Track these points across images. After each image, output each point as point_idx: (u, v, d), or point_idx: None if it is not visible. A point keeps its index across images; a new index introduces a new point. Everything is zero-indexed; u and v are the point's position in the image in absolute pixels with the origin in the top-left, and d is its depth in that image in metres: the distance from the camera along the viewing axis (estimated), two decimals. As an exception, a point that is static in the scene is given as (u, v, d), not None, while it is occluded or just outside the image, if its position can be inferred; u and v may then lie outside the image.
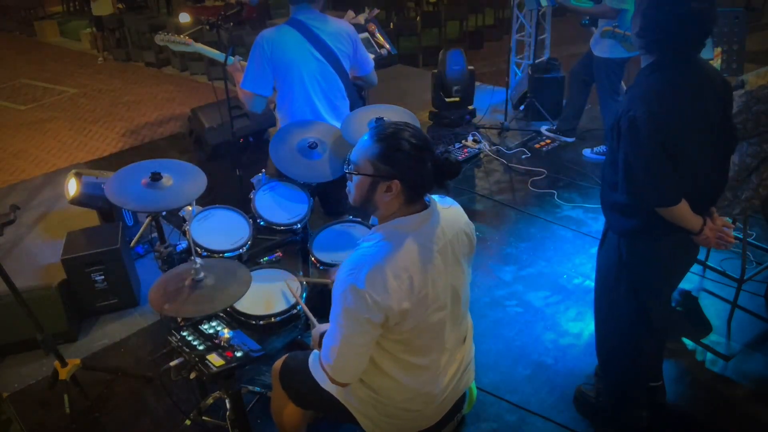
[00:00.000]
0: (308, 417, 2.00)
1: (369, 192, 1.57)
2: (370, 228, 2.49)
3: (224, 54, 2.93)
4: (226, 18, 3.49)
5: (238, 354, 1.79)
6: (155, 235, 3.69)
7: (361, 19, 4.90)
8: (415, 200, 1.58)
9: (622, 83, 4.39)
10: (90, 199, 3.58)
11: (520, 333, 2.98)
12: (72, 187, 3.58)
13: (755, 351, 2.78)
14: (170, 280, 1.95)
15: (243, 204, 2.60)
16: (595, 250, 2.39)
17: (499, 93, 5.90)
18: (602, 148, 4.70)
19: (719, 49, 3.26)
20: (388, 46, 4.87)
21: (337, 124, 2.75)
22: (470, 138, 5.09)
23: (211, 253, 2.30)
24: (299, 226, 2.50)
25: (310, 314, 2.00)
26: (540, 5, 5.07)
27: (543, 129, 5.19)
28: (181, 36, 3.00)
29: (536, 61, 5.53)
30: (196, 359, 1.77)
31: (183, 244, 2.35)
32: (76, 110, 6.84)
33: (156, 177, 2.17)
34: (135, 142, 5.78)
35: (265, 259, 2.50)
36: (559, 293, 3.25)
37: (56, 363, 2.51)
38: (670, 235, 1.95)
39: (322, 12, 2.77)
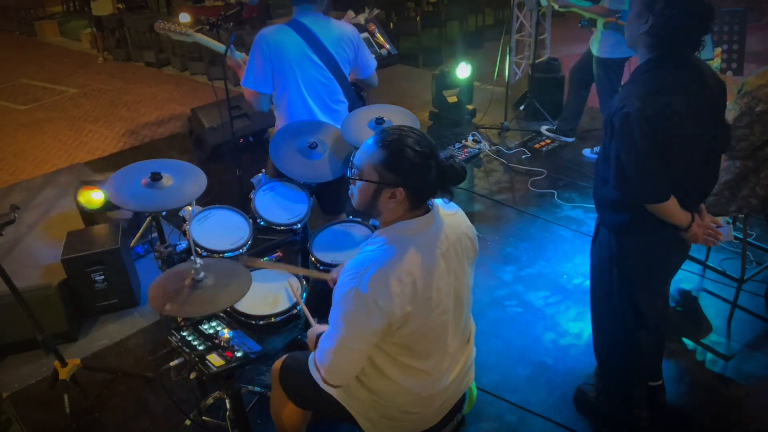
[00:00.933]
0: (308, 417, 2.01)
1: (373, 198, 1.56)
2: (370, 228, 2.49)
3: (225, 46, 2.92)
4: (226, 18, 3.49)
5: (238, 354, 1.79)
6: (155, 235, 3.69)
7: (361, 19, 4.90)
8: (420, 204, 1.58)
9: (622, 83, 4.39)
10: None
11: (520, 333, 2.98)
12: (98, 195, 3.61)
13: (755, 351, 2.78)
14: (170, 280, 1.95)
15: (243, 204, 2.59)
16: (595, 250, 2.39)
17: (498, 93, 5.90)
18: (602, 148, 4.70)
19: (719, 49, 3.26)
20: (388, 46, 4.87)
21: (329, 124, 2.75)
22: (470, 138, 5.09)
23: (211, 253, 2.30)
24: (299, 226, 2.50)
25: (309, 315, 1.99)
26: (540, 5, 5.07)
27: (543, 129, 5.19)
28: (181, 25, 2.98)
29: (536, 61, 5.53)
30: (196, 359, 1.77)
31: (183, 244, 2.35)
32: (76, 110, 6.84)
33: (156, 177, 2.17)
34: (135, 142, 5.78)
35: (265, 259, 2.49)
36: (559, 293, 3.25)
37: (56, 363, 2.51)
38: (659, 230, 1.97)
39: (325, 14, 2.76)
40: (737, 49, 3.39)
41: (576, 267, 3.45)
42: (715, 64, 3.24)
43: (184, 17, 5.26)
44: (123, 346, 3.07)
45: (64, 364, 2.52)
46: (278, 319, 2.16)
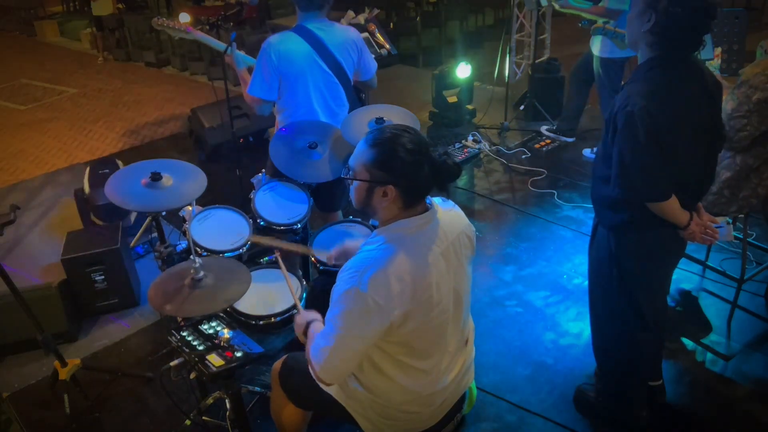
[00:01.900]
0: (308, 417, 2.01)
1: (366, 197, 1.57)
2: (369, 228, 2.49)
3: (224, 44, 2.92)
4: (226, 18, 3.50)
5: (238, 354, 1.79)
6: (155, 235, 3.69)
7: (361, 19, 4.90)
8: (414, 204, 1.57)
9: (622, 83, 4.39)
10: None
11: (520, 333, 2.98)
12: None
13: (755, 351, 2.79)
14: (170, 279, 1.95)
15: (243, 204, 2.59)
16: (595, 250, 2.39)
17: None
18: (602, 148, 4.70)
19: (719, 49, 3.26)
20: (388, 46, 4.87)
21: (329, 124, 2.76)
22: (470, 138, 5.09)
23: (210, 253, 2.30)
24: (299, 226, 2.50)
25: (296, 298, 1.97)
26: (540, 5, 5.07)
27: (543, 129, 5.19)
28: (180, 23, 2.98)
29: (536, 61, 5.53)
30: (196, 359, 1.77)
31: (183, 244, 2.35)
32: (76, 110, 6.84)
33: (156, 177, 2.17)
34: (135, 142, 5.78)
35: (265, 259, 2.50)
36: (559, 293, 3.25)
37: (56, 363, 2.51)
38: (658, 228, 1.98)
39: (328, 18, 2.77)
40: (737, 49, 3.39)
41: (576, 267, 3.45)
42: (715, 64, 3.23)
43: (184, 17, 5.25)
44: (123, 346, 3.07)
45: (64, 364, 2.52)
46: (278, 319, 2.16)
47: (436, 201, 1.68)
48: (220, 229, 2.41)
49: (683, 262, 3.26)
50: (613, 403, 2.42)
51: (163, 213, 2.32)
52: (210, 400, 2.42)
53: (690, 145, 1.88)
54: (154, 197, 2.14)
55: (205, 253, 2.29)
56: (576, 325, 3.01)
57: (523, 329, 3.01)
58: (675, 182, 1.88)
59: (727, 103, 2.52)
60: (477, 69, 5.73)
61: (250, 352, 1.82)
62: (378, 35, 4.86)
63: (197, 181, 2.25)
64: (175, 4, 10.74)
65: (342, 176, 1.63)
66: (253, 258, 2.50)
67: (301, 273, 2.52)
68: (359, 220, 2.62)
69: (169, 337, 1.89)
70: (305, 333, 1.72)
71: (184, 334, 1.88)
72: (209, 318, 1.95)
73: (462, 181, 4.56)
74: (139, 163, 2.27)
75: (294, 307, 2.17)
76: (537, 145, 5.01)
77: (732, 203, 2.66)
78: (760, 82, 2.43)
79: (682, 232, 1.99)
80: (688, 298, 3.17)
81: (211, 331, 1.90)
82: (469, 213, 4.02)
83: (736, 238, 2.83)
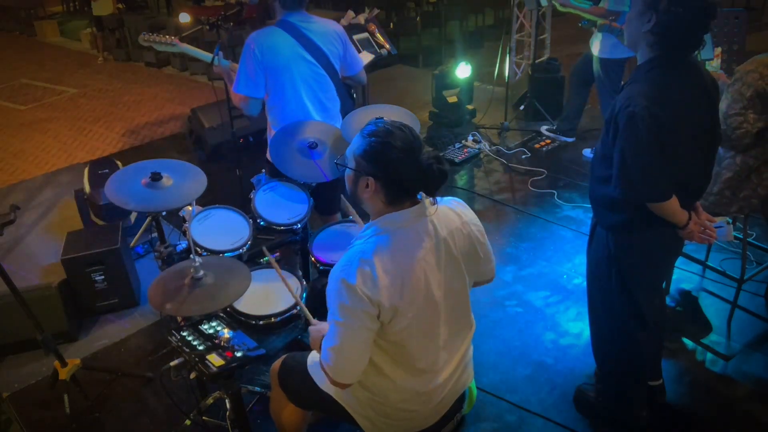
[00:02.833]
0: (308, 417, 2.01)
1: (353, 186, 1.62)
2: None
3: (210, 55, 2.91)
4: (226, 18, 3.49)
5: (238, 354, 1.79)
6: (155, 235, 3.69)
7: (361, 19, 4.90)
8: (397, 201, 1.58)
9: (622, 83, 4.38)
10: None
11: (520, 333, 2.98)
12: None
13: (755, 351, 2.79)
14: (170, 279, 1.95)
15: (243, 204, 2.59)
16: (595, 250, 2.39)
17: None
18: (602, 148, 4.70)
19: (719, 49, 3.26)
20: (388, 46, 4.87)
21: (329, 124, 2.76)
22: (470, 138, 5.09)
23: (211, 253, 2.30)
24: (299, 226, 2.50)
25: (308, 313, 1.98)
26: (540, 5, 5.07)
27: (543, 129, 5.19)
28: (166, 36, 2.97)
29: (536, 61, 5.53)
30: (196, 359, 1.77)
31: (183, 244, 2.35)
32: (76, 110, 6.84)
33: (156, 177, 2.17)
34: (135, 142, 5.78)
35: (265, 259, 2.49)
36: (559, 293, 3.25)
37: (56, 363, 2.51)
38: (657, 228, 1.99)
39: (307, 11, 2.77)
40: (737, 49, 3.39)
41: (576, 267, 3.45)
42: (715, 64, 3.23)
43: (184, 17, 5.27)
44: (123, 346, 3.07)
45: (64, 364, 2.52)
46: (278, 319, 2.16)
47: (438, 200, 1.67)
48: (220, 229, 2.41)
49: (683, 262, 3.26)
50: (613, 403, 2.42)
51: (163, 213, 2.31)
52: (210, 400, 2.42)
53: (690, 145, 1.88)
54: (154, 197, 2.14)
55: (205, 253, 2.29)
56: (576, 325, 3.01)
57: (523, 329, 3.01)
58: (675, 182, 1.88)
59: (722, 102, 2.53)
60: (477, 69, 5.73)
61: (250, 352, 1.82)
62: (378, 35, 4.85)
63: (197, 181, 2.25)
64: (175, 4, 10.74)
65: (335, 162, 1.66)
66: (253, 258, 2.50)
67: (301, 273, 2.52)
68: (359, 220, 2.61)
69: (169, 337, 1.89)
70: (320, 346, 1.72)
71: (184, 334, 1.88)
72: (209, 318, 1.96)
73: (462, 181, 4.56)
74: (139, 163, 2.27)
75: (294, 306, 2.17)
76: (537, 145, 5.01)
77: (733, 203, 2.67)
78: (752, 78, 2.45)
79: (681, 232, 1.99)
80: (688, 298, 3.17)
81: (211, 331, 1.90)
82: (469, 213, 4.03)
83: (735, 238, 2.83)
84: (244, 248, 2.38)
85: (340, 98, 2.89)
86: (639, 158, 1.82)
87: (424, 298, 1.57)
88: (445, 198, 1.73)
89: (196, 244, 2.28)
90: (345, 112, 2.92)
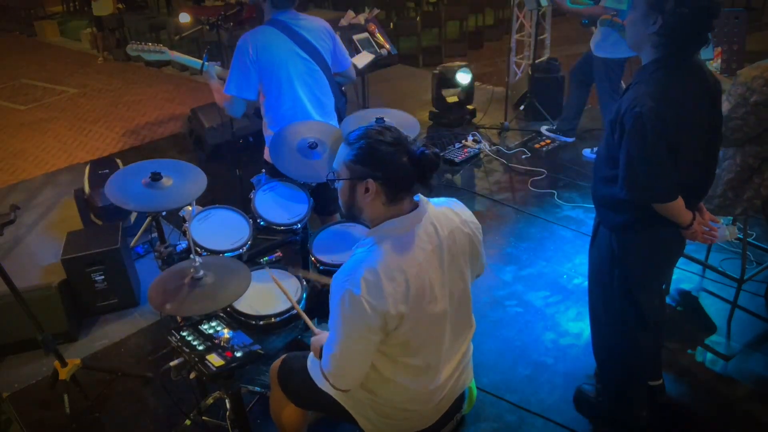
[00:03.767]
0: (308, 418, 2.01)
1: (350, 196, 1.59)
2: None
3: (200, 61, 2.90)
4: (226, 18, 3.49)
5: (238, 354, 1.79)
6: (155, 235, 3.69)
7: (361, 19, 4.90)
8: (398, 199, 1.57)
9: (622, 83, 4.39)
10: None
11: (520, 333, 2.98)
12: None
13: (755, 351, 2.79)
14: (170, 279, 1.95)
15: (243, 204, 2.59)
16: (595, 250, 2.39)
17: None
18: (602, 148, 4.70)
19: (719, 49, 3.26)
20: (388, 46, 4.87)
21: (325, 122, 2.76)
22: (470, 138, 5.09)
23: (211, 253, 2.30)
24: (299, 226, 2.50)
25: (307, 319, 1.97)
26: (540, 5, 5.08)
27: (543, 129, 5.19)
28: (154, 44, 2.97)
29: (536, 61, 5.53)
30: (196, 359, 1.77)
31: (183, 244, 2.35)
32: (76, 110, 6.84)
33: (156, 177, 2.17)
34: (135, 142, 5.78)
35: (265, 259, 2.49)
36: (559, 293, 3.25)
37: (56, 363, 2.51)
38: (661, 228, 1.99)
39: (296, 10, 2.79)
40: (737, 49, 3.39)
41: (576, 267, 3.45)
42: (715, 64, 3.23)
43: (184, 17, 5.27)
44: (123, 346, 3.07)
45: (64, 364, 2.52)
46: (278, 319, 2.16)
47: (431, 201, 1.68)
48: (220, 229, 2.41)
49: (683, 262, 3.26)
50: (613, 403, 2.42)
51: (163, 213, 2.32)
52: (210, 400, 2.42)
53: (695, 145, 1.88)
54: (154, 197, 2.14)
55: (205, 253, 2.29)
56: (576, 325, 3.01)
57: (523, 329, 3.01)
58: (680, 182, 1.88)
59: (723, 104, 2.52)
60: (477, 69, 5.72)
61: (250, 352, 1.82)
62: (378, 35, 4.86)
63: (197, 181, 2.25)
64: (175, 4, 10.75)
65: (327, 178, 1.64)
66: (253, 258, 2.50)
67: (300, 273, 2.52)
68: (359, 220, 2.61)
69: (169, 337, 1.89)
70: (321, 354, 1.72)
71: (184, 334, 1.88)
72: (209, 318, 1.95)
73: (462, 181, 4.56)
74: (139, 163, 2.27)
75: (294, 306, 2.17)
76: (537, 145, 5.01)
77: (736, 205, 2.66)
78: (758, 85, 2.43)
79: (684, 232, 1.99)
80: (688, 298, 3.17)
81: (211, 331, 1.90)
82: (469, 213, 4.02)
83: (736, 238, 2.83)
84: (244, 248, 2.38)
85: (333, 93, 2.90)
86: (646, 158, 1.82)
87: (429, 301, 1.57)
88: (442, 199, 1.73)
89: (196, 244, 2.28)
90: (338, 108, 2.93)
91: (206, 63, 2.87)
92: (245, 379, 2.49)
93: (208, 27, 3.45)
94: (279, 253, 2.56)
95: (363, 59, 4.62)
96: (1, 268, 2.25)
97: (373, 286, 1.48)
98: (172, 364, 1.81)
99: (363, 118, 2.60)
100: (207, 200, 2.82)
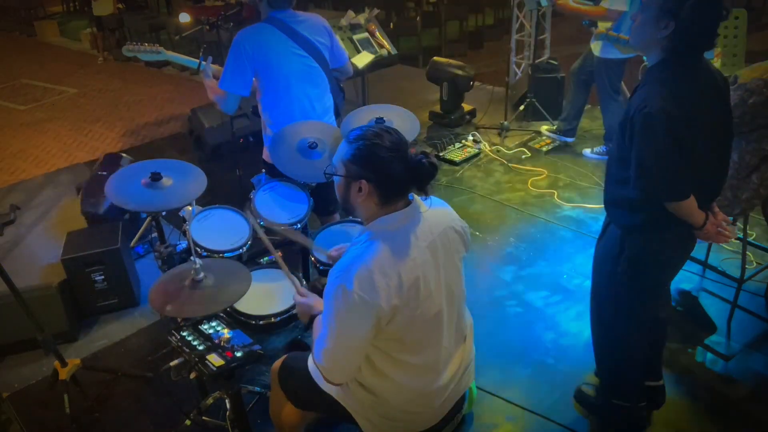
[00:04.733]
0: (307, 418, 2.00)
1: (345, 193, 1.62)
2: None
3: (197, 61, 2.91)
4: (226, 18, 3.50)
5: (238, 354, 1.79)
6: (155, 235, 3.69)
7: (361, 19, 4.90)
8: (391, 200, 1.59)
9: (622, 83, 4.39)
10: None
11: (520, 333, 2.98)
12: None
13: (755, 351, 2.79)
14: (170, 281, 1.95)
15: (243, 204, 2.59)
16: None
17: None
18: (602, 148, 4.71)
19: (719, 49, 3.27)
20: (388, 46, 4.87)
21: (324, 120, 2.76)
22: (470, 138, 5.09)
23: (210, 253, 2.30)
24: (299, 226, 2.50)
25: (296, 280, 1.97)
26: (540, 5, 5.07)
27: (543, 129, 5.19)
28: (150, 45, 2.97)
29: (536, 61, 5.52)
30: (196, 359, 1.77)
31: (183, 244, 2.36)
32: (76, 110, 6.84)
33: (156, 177, 2.17)
34: (135, 142, 5.78)
35: (265, 259, 2.50)
36: (559, 293, 3.25)
37: (56, 363, 2.51)
38: (674, 229, 1.98)
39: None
40: (737, 49, 3.40)
41: (576, 267, 3.45)
42: (715, 64, 3.24)
43: (184, 17, 5.27)
44: (123, 346, 3.07)
45: (64, 364, 2.52)
46: (278, 319, 2.16)
47: (422, 200, 1.68)
48: (220, 229, 2.41)
49: (683, 262, 3.26)
50: (613, 403, 2.41)
51: (163, 213, 2.32)
52: (210, 400, 2.42)
53: (705, 144, 1.88)
54: (154, 197, 2.14)
55: (205, 253, 2.29)
56: (576, 325, 3.01)
57: (523, 329, 3.01)
58: (692, 181, 1.88)
59: None
60: (477, 69, 5.72)
61: (250, 352, 1.82)
62: (378, 35, 4.86)
63: (197, 181, 2.26)
64: (175, 4, 10.75)
65: (324, 172, 1.67)
66: (253, 258, 2.50)
67: (301, 273, 2.52)
68: (359, 220, 2.61)
69: (169, 337, 1.89)
70: (311, 321, 1.76)
71: (184, 334, 1.88)
72: (209, 318, 1.96)
73: (462, 181, 4.56)
74: (139, 163, 2.27)
75: (294, 306, 2.17)
76: (537, 145, 5.00)
77: (735, 206, 2.66)
78: (756, 86, 2.44)
79: (697, 233, 1.98)
80: (688, 298, 3.17)
81: (211, 331, 1.90)
82: (469, 213, 4.03)
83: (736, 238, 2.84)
84: (244, 248, 2.38)
85: (331, 90, 2.90)
86: (657, 158, 1.83)
87: (423, 296, 1.58)
88: (434, 198, 1.73)
89: (196, 244, 2.28)
90: (336, 103, 2.94)
91: (203, 62, 2.88)
92: (245, 379, 2.50)
93: (208, 27, 3.45)
94: (279, 253, 2.56)
95: (363, 59, 4.62)
96: (1, 268, 2.25)
97: (366, 281, 1.50)
98: (172, 364, 1.81)
99: (363, 117, 2.61)
100: (207, 200, 2.82)
